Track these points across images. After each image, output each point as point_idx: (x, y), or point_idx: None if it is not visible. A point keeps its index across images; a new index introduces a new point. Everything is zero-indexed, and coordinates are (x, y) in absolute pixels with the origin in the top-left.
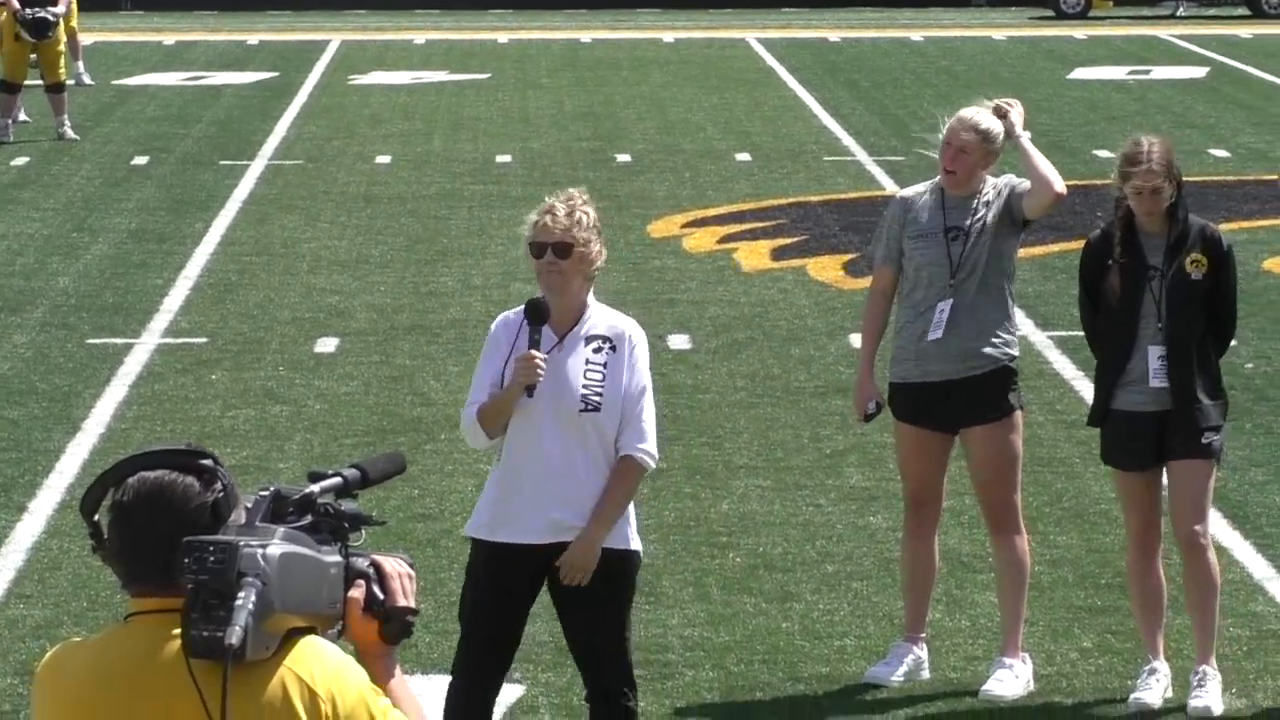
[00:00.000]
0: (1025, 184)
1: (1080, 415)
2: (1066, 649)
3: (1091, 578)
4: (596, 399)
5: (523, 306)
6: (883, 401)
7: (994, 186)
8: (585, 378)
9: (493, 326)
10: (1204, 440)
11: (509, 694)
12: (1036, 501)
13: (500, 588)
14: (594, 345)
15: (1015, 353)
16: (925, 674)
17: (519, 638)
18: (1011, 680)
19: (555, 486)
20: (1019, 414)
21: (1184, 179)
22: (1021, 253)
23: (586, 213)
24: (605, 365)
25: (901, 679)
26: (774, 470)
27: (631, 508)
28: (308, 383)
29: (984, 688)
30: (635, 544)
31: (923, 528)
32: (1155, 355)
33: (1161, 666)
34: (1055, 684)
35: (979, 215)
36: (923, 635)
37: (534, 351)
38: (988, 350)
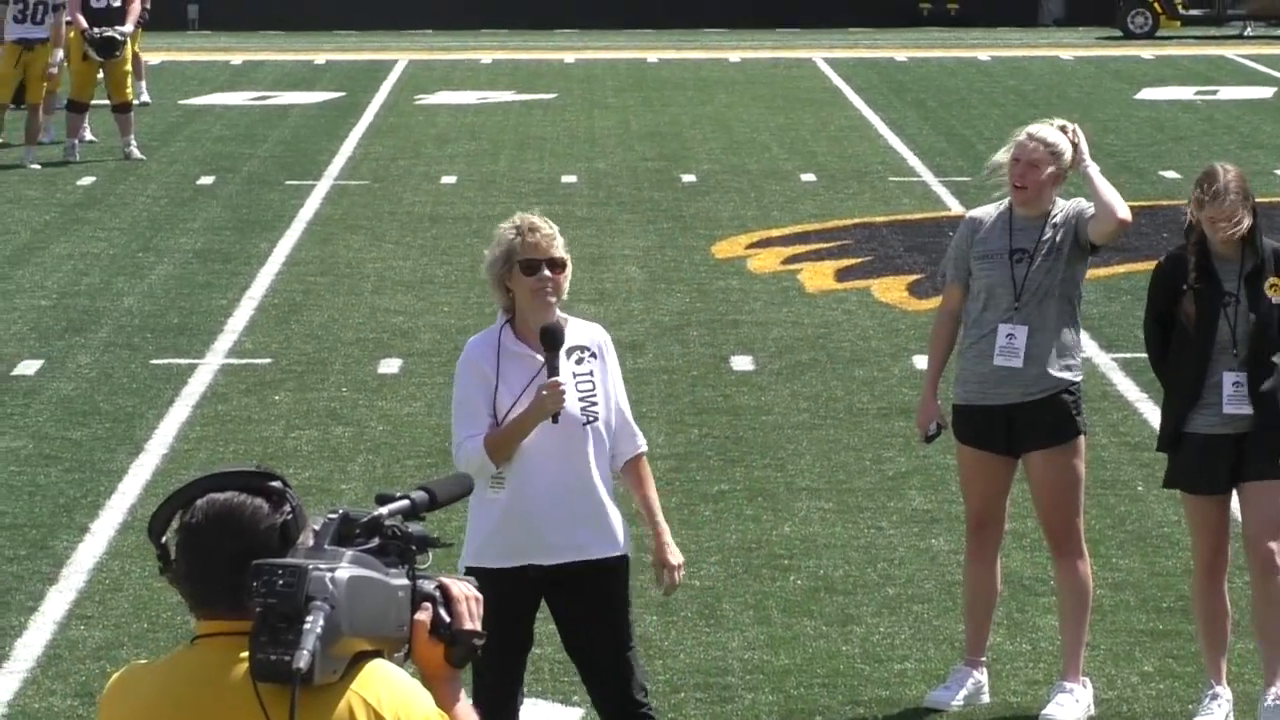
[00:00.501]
0: (1093, 209)
1: (1144, 438)
2: (1128, 673)
3: (1153, 601)
4: (595, 409)
5: (495, 329)
6: (944, 423)
7: (1063, 210)
8: (578, 389)
9: (465, 354)
10: None
11: (568, 716)
12: (1099, 524)
13: (516, 612)
14: (575, 357)
15: (1079, 377)
16: (985, 698)
17: (530, 649)
18: (1072, 704)
19: (572, 504)
20: (1082, 438)
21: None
22: (1086, 274)
23: (557, 230)
24: (592, 374)
25: (961, 703)
26: (836, 492)
27: (618, 511)
28: (371, 404)
29: (1044, 712)
30: (628, 548)
31: (984, 550)
32: (1230, 381)
33: (1224, 692)
34: (1116, 708)
35: (1046, 238)
36: (983, 659)
37: (557, 379)
38: (1051, 374)
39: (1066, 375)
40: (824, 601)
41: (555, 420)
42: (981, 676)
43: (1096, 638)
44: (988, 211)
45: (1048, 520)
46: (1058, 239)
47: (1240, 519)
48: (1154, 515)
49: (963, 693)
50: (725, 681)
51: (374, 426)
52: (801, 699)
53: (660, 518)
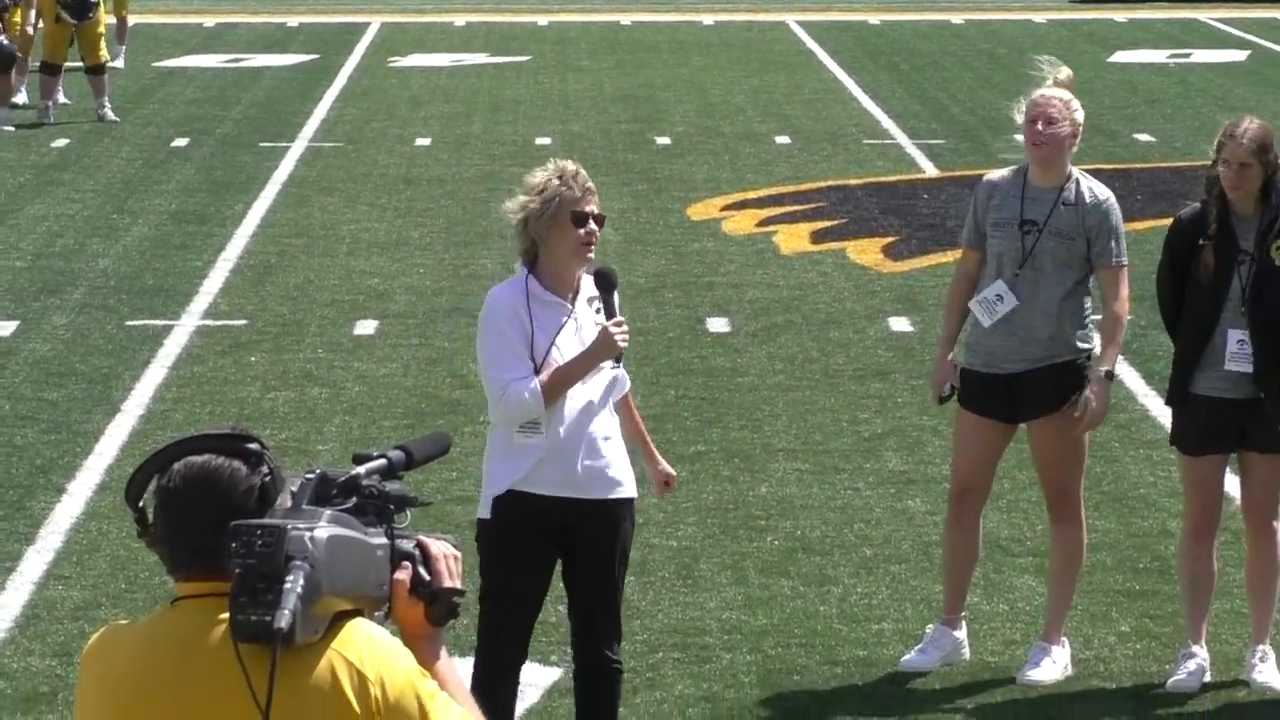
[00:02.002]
0: (1115, 258)
1: (1119, 399)
2: (1104, 633)
3: (1130, 562)
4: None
5: (520, 280)
6: (957, 384)
7: (1079, 195)
8: None
9: (495, 302)
10: None
11: (546, 676)
12: None
13: (544, 546)
14: (594, 306)
15: (1087, 346)
16: (965, 654)
17: (538, 613)
18: (1050, 665)
19: (603, 445)
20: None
21: None
22: None
23: None
24: None
25: (939, 664)
26: (812, 453)
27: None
28: (347, 365)
29: (1024, 673)
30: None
31: (965, 516)
32: (1235, 339)
33: (1200, 651)
34: (1093, 668)
35: (1055, 216)
36: (962, 616)
37: (620, 319)
38: (1058, 343)
39: (1074, 344)
40: (801, 562)
41: (617, 361)
42: (960, 635)
43: (1073, 598)
44: (1003, 176)
45: (1047, 485)
46: (1066, 226)
47: (1239, 484)
48: (1130, 476)
49: (939, 654)
50: (703, 642)
51: (350, 388)
52: (779, 659)
53: (650, 442)
